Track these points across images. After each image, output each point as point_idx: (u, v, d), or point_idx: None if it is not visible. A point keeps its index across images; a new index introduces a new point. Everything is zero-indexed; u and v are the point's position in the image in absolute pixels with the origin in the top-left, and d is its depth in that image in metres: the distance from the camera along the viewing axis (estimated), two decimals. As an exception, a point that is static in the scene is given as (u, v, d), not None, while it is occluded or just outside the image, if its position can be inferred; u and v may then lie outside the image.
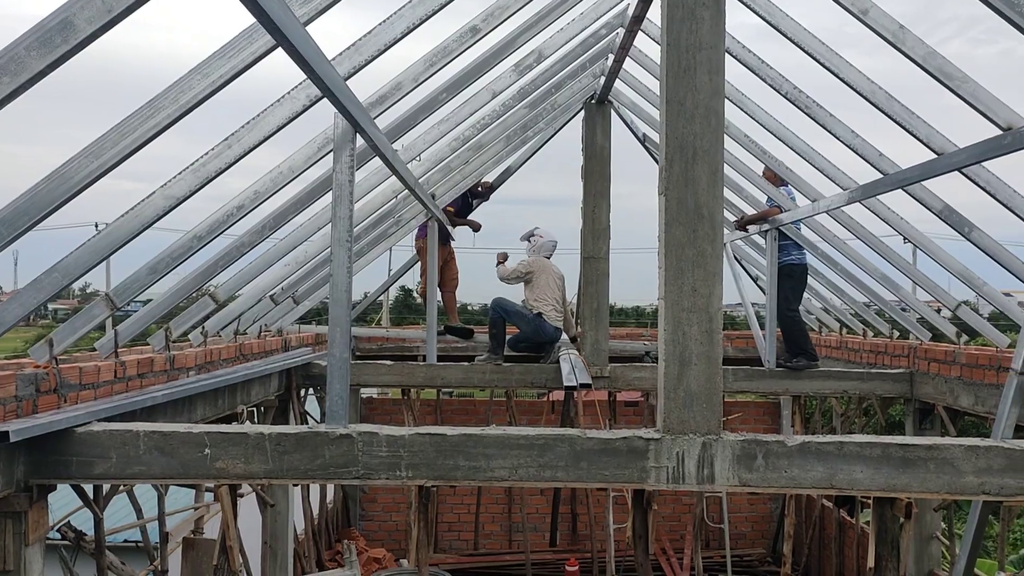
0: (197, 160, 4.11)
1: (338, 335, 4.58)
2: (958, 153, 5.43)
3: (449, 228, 11.17)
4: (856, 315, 11.38)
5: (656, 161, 11.50)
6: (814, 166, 7.62)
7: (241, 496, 8.17)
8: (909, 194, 6.57)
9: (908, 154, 6.30)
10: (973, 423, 12.02)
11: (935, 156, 5.72)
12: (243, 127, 4.18)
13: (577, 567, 13.14)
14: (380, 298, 16.52)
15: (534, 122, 9.65)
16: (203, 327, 7.31)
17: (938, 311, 10.18)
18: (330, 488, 13.18)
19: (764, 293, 10.43)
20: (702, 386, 4.44)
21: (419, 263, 11.46)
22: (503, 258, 10.40)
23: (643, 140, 10.60)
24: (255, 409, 8.95)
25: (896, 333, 10.46)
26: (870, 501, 11.19)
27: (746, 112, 7.76)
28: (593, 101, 9.64)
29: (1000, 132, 4.94)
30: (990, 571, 10.58)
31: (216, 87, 3.35)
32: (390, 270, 13.87)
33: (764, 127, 7.73)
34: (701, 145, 4.41)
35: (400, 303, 42.63)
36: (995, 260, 6.51)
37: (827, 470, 4.43)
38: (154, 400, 5.65)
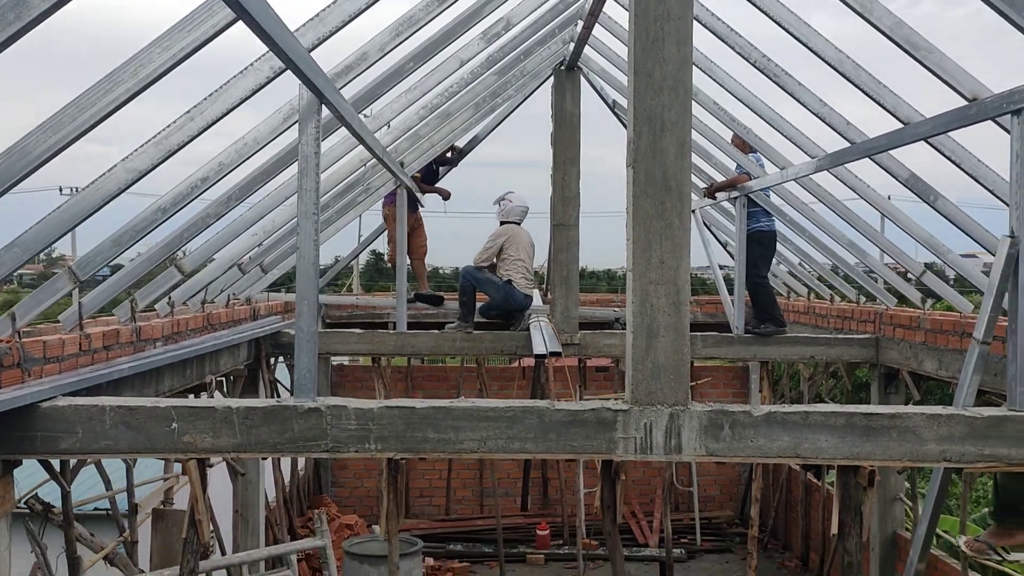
0: (159, 133, 4.05)
1: (305, 308, 4.55)
2: (924, 123, 5.46)
3: (418, 195, 11.12)
4: (823, 280, 11.47)
5: (625, 127, 11.49)
6: (782, 134, 7.64)
7: (211, 466, 8.16)
8: (876, 163, 6.61)
9: (876, 121, 6.33)
10: (937, 386, 12.20)
11: (902, 125, 5.75)
12: (206, 99, 4.11)
13: (548, 531, 13.29)
14: (351, 263, 16.46)
15: (503, 89, 9.58)
16: (169, 297, 7.25)
17: (904, 275, 10.28)
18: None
19: (733, 259, 10.49)
20: (670, 357, 4.46)
21: (387, 230, 11.40)
22: None
23: (612, 106, 10.57)
24: (224, 379, 8.91)
25: (863, 299, 10.57)
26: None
27: (715, 80, 7.75)
28: (562, 67, 9.57)
29: (965, 103, 4.97)
30: (953, 527, 10.79)
31: (177, 60, 3.28)
32: (360, 236, 13.80)
33: (733, 95, 7.72)
34: (669, 117, 4.40)
35: (371, 267, 42.45)
36: (959, 227, 6.58)
37: (792, 439, 4.48)
38: (120, 373, 5.61)
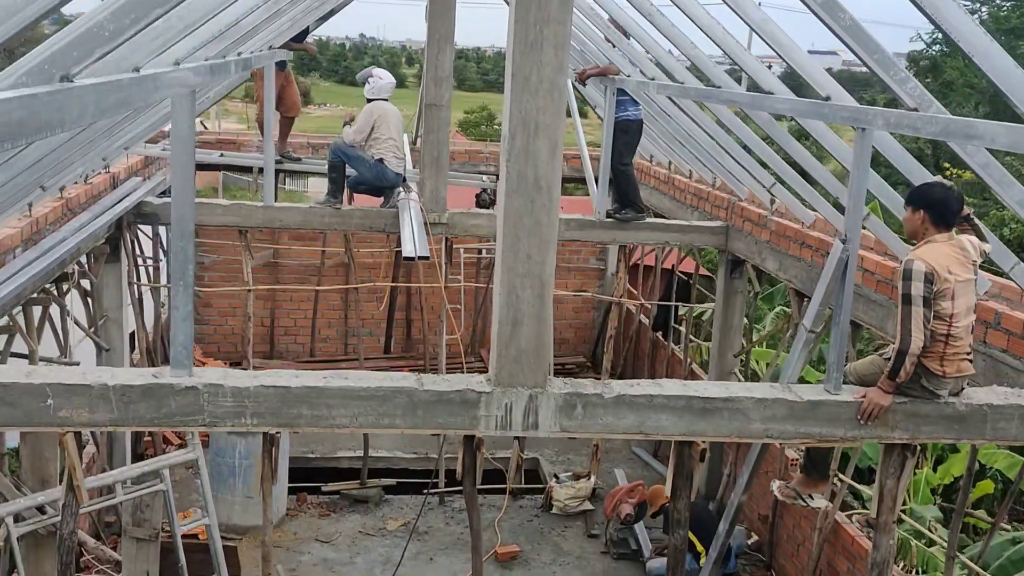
0: None
1: (181, 289, 4.63)
2: (783, 101, 5.73)
3: (285, 57, 10.77)
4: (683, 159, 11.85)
5: (502, -2, 11.23)
6: (650, 56, 7.75)
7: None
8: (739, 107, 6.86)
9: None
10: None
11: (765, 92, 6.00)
12: None
13: (410, 377, 13.87)
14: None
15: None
16: (30, 204, 7.04)
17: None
18: (163, 293, 13.19)
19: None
20: (531, 344, 4.81)
21: (255, 89, 11.06)
22: (350, 118, 10.20)
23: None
24: (86, 257, 8.79)
25: (718, 181, 11.05)
26: (683, 330, 12.16)
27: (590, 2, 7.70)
28: (440, -61, 9.24)
29: (821, 100, 5.25)
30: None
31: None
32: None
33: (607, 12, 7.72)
34: (543, 120, 4.54)
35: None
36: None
37: (638, 418, 4.96)
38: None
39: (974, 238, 5.04)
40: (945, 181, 5.10)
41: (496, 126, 49.12)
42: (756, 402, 4.99)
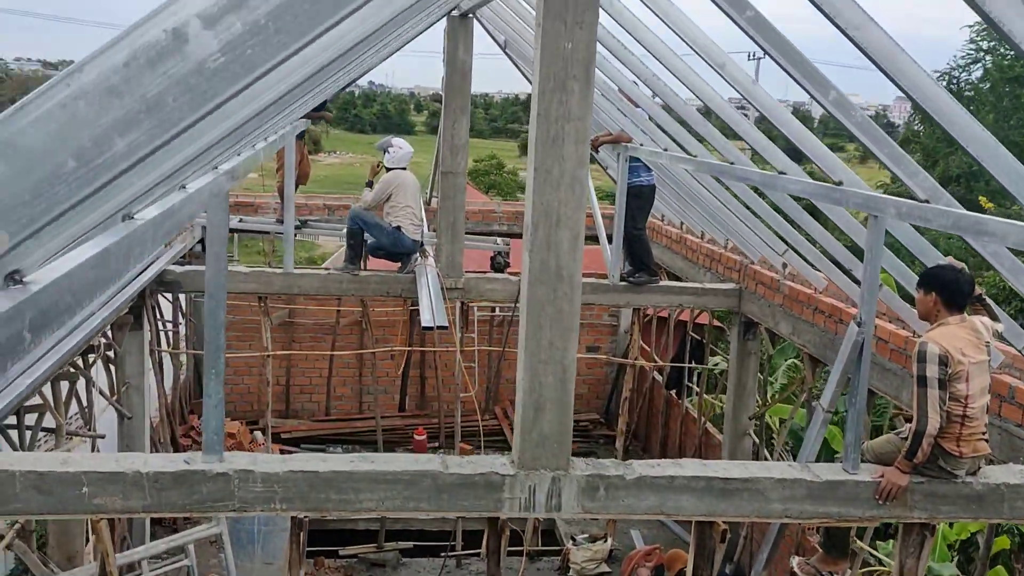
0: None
1: (213, 377, 4.76)
2: (796, 182, 5.88)
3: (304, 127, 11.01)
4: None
5: (516, 67, 11.50)
6: (663, 130, 7.93)
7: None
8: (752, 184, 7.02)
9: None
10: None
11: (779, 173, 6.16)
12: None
13: (425, 436, 13.95)
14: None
15: (393, 29, 9.44)
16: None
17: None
18: (183, 357, 13.35)
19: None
20: (554, 428, 4.91)
21: (278, 157, 11.29)
22: (374, 174, 10.41)
23: (504, 46, 10.57)
24: (110, 327, 8.94)
25: (730, 243, 11.19)
26: (696, 388, 12.21)
27: (603, 77, 7.89)
28: (456, 14, 9.49)
29: (832, 185, 5.40)
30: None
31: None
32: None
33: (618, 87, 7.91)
34: (565, 212, 4.68)
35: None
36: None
37: (659, 499, 5.05)
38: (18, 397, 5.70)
39: (986, 319, 5.14)
40: (955, 263, 5.20)
41: (505, 174, 49.49)
42: (775, 482, 5.07)
